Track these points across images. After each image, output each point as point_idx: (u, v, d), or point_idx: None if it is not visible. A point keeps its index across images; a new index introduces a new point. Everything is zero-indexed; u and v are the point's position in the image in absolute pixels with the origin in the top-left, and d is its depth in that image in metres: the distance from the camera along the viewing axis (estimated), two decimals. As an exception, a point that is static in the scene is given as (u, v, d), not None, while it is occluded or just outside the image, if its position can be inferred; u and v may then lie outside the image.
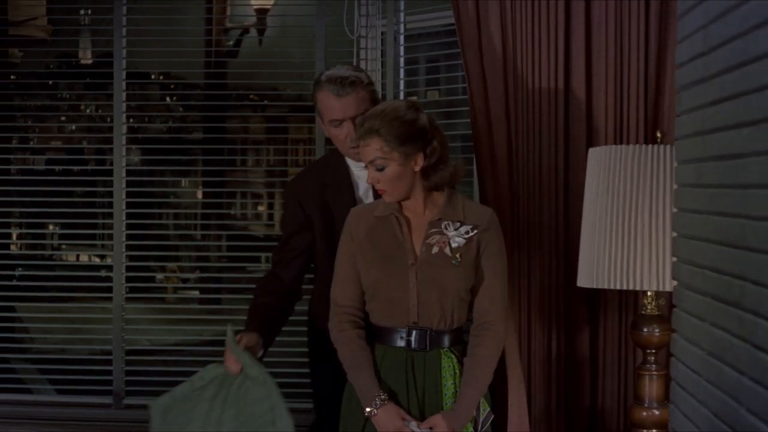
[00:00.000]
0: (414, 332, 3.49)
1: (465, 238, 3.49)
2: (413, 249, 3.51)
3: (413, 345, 3.49)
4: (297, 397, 4.01)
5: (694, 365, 2.80)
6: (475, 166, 4.34)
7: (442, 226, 3.50)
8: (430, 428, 3.43)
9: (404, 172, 3.44)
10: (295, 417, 3.44)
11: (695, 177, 2.82)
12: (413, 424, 3.41)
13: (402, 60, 5.14)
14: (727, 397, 2.47)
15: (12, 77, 6.04)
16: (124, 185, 5.36)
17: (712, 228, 2.63)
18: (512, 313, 3.88)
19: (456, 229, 3.49)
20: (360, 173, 3.91)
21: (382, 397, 3.44)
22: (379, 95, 4.02)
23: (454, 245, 3.48)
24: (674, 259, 3.12)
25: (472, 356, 3.50)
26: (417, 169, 3.45)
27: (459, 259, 3.46)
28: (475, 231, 3.50)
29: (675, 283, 3.09)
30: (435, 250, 3.48)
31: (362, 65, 5.15)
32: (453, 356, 3.51)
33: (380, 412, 3.43)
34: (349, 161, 3.95)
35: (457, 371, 3.51)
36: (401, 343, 3.50)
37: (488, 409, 3.53)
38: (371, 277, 3.53)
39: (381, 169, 3.44)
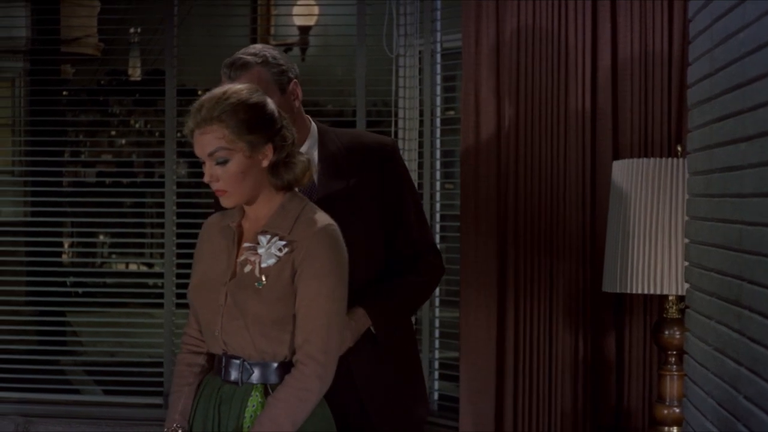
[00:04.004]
0: (226, 361, 2.92)
1: (277, 257, 2.86)
2: (235, 266, 2.94)
3: (224, 375, 2.93)
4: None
5: (703, 360, 2.90)
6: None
7: (259, 239, 2.90)
8: None
9: (250, 166, 2.85)
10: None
11: (704, 187, 2.93)
12: None
13: (438, 78, 5.08)
14: (728, 387, 2.58)
15: (64, 93, 6.07)
16: (174, 197, 5.35)
17: (716, 234, 2.75)
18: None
19: (271, 245, 2.88)
20: None
21: (171, 429, 2.98)
22: (288, 78, 3.35)
23: (263, 265, 2.86)
24: (686, 263, 3.22)
25: (270, 397, 2.85)
26: (265, 164, 2.87)
27: (263, 282, 2.85)
28: (287, 249, 2.86)
29: (687, 285, 3.19)
30: (248, 268, 2.89)
31: (401, 83, 5.17)
32: (261, 395, 2.89)
33: None
34: None
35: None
36: (217, 373, 2.96)
37: None
38: (189, 295, 3.02)
39: (223, 163, 2.83)
